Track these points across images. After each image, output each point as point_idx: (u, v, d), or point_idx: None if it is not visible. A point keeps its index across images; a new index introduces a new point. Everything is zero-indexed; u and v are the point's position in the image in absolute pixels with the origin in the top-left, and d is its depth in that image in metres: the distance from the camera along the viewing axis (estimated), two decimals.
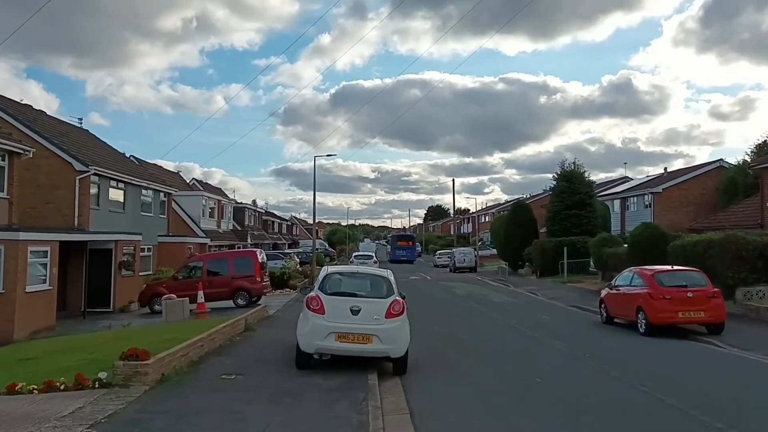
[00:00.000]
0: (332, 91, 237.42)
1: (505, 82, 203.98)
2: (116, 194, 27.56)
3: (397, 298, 10.61)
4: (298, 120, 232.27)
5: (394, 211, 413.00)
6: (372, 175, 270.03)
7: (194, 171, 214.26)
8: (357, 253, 49.58)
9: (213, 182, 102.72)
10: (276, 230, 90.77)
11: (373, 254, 47.97)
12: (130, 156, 40.84)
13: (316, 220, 41.70)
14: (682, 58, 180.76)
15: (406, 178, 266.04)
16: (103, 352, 12.44)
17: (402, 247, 73.04)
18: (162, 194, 33.94)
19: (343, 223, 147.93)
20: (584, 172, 44.54)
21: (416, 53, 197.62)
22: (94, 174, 24.66)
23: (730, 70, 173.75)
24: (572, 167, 44.42)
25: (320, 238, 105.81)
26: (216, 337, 12.73)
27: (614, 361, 11.95)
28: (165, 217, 34.24)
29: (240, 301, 22.56)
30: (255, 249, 25.83)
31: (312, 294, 10.62)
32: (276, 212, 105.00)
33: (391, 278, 11.05)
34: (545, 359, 12.27)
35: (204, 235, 39.38)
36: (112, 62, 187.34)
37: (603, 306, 18.44)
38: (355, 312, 10.17)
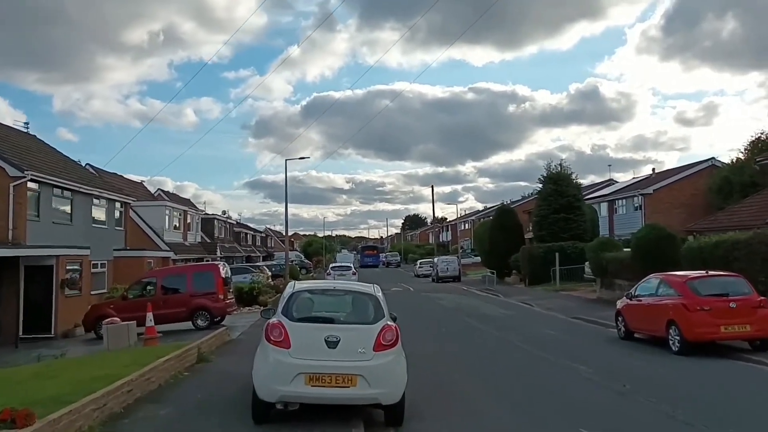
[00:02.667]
0: (303, 102, 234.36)
1: (475, 91, 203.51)
2: (61, 204, 24.51)
3: (389, 322, 7.91)
4: (270, 132, 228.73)
5: (371, 222, 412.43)
6: (346, 186, 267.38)
7: (167, 185, 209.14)
8: (334, 265, 46.45)
9: (186, 196, 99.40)
10: (249, 242, 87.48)
11: (352, 265, 44.90)
12: (86, 165, 37.66)
13: (292, 232, 38.90)
14: (646, 66, 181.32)
15: (380, 189, 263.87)
16: (13, 396, 9.59)
17: (369, 255, 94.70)
18: (118, 204, 30.91)
19: (320, 234, 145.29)
20: (571, 173, 42.27)
21: (385, 64, 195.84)
22: (33, 180, 21.62)
23: (693, 77, 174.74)
24: (559, 169, 42.14)
25: (295, 250, 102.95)
26: (154, 375, 9.90)
27: (667, 394, 9.34)
28: (122, 229, 31.19)
29: (200, 323, 19.62)
30: (217, 262, 22.98)
31: (273, 320, 7.87)
32: (251, 224, 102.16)
33: (379, 295, 8.34)
34: (578, 394, 9.62)
35: (167, 249, 36.27)
36: (79, 77, 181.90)
37: (621, 319, 15.92)
38: (331, 344, 7.47)
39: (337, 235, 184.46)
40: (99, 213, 28.52)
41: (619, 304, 16.33)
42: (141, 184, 48.52)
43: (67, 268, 21.79)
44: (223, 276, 20.59)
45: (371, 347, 7.55)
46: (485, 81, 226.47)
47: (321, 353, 7.44)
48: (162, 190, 53.95)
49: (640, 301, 15.13)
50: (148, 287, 20.55)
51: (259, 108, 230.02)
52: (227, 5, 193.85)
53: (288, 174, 36.37)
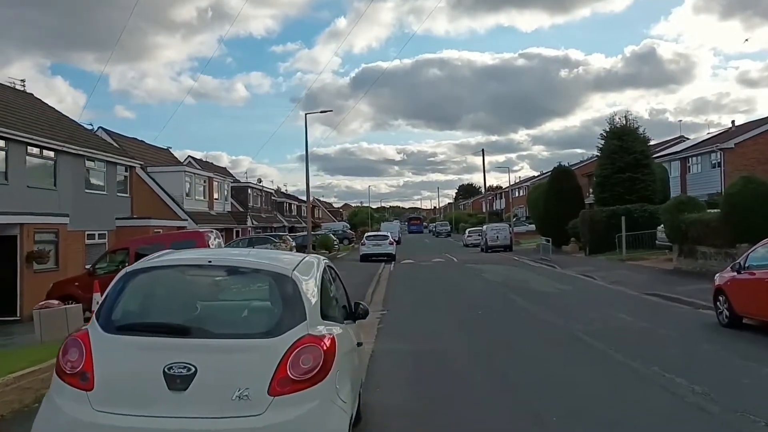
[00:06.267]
0: (352, 74, 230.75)
1: (525, 57, 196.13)
2: (40, 165, 21.25)
3: (314, 332, 3.92)
4: (320, 105, 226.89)
5: (424, 192, 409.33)
6: (398, 157, 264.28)
7: (222, 159, 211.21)
8: (369, 234, 41.98)
9: (241, 170, 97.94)
10: (294, 213, 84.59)
11: (390, 234, 40.33)
12: (98, 128, 34.70)
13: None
14: (705, 25, 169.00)
15: (432, 159, 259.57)
16: None
17: (414, 224, 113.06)
18: (122, 168, 27.64)
19: (372, 206, 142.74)
20: (638, 127, 36.98)
21: (432, 32, 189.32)
22: None
23: (756, 36, 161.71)
24: (624, 122, 36.94)
25: (343, 221, 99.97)
26: None
27: None
28: (127, 195, 27.94)
29: None
30: (205, 230, 19.35)
31: (79, 332, 4.00)
32: (302, 197, 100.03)
33: (304, 279, 4.26)
34: None
35: (186, 217, 33.08)
36: (133, 56, 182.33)
37: (723, 299, 11.49)
38: (178, 381, 3.56)
39: (390, 207, 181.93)
40: (96, 177, 25.30)
41: (719, 279, 11.89)
42: (167, 150, 45.61)
43: (36, 239, 18.52)
44: (211, 246, 16.87)
45: (264, 387, 3.58)
46: (536, 46, 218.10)
47: (155, 401, 3.54)
48: (192, 158, 50.97)
49: (754, 274, 10.68)
50: (121, 260, 17.06)
51: (308, 81, 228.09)
52: None
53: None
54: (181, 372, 3.56)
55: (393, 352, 9.98)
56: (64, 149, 22.13)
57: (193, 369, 3.58)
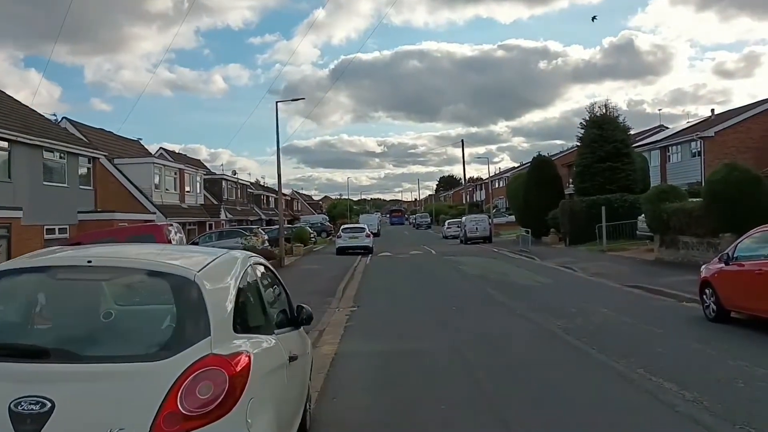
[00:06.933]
0: (331, 66, 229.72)
1: (505, 48, 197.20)
2: None
3: (217, 352, 3.03)
4: (299, 96, 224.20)
5: (405, 185, 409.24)
6: (379, 149, 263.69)
7: (201, 152, 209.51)
8: (346, 226, 40.71)
9: (220, 162, 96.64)
10: (272, 205, 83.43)
11: (366, 227, 39.13)
12: (63, 118, 33.48)
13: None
14: (682, 17, 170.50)
15: (413, 151, 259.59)
16: None
17: (396, 216, 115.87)
18: (85, 159, 26.50)
19: (353, 198, 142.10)
20: (618, 116, 36.45)
21: (412, 24, 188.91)
22: None
23: (732, 27, 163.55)
24: (604, 111, 36.38)
25: (322, 213, 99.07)
26: None
27: None
28: (90, 188, 26.81)
29: None
30: (164, 223, 18.43)
31: None
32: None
33: (206, 285, 3.28)
34: None
35: (154, 210, 31.97)
36: (109, 47, 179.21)
37: (710, 292, 10.82)
38: (27, 421, 2.70)
39: (371, 199, 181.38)
40: (56, 169, 24.18)
41: (706, 271, 11.24)
42: (137, 142, 44.32)
43: None
44: (172, 241, 15.92)
45: (146, 426, 2.73)
46: (515, 38, 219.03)
47: None
48: (165, 149, 49.67)
49: (743, 266, 10.02)
50: None
51: (286, 73, 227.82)
52: None
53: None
54: (33, 409, 2.72)
55: (358, 354, 9.19)
56: (19, 139, 21.01)
57: (49, 404, 2.73)
